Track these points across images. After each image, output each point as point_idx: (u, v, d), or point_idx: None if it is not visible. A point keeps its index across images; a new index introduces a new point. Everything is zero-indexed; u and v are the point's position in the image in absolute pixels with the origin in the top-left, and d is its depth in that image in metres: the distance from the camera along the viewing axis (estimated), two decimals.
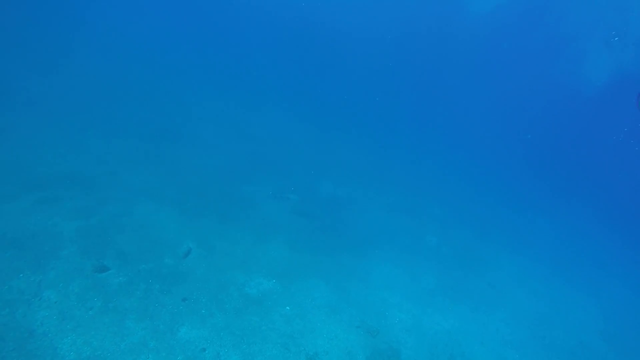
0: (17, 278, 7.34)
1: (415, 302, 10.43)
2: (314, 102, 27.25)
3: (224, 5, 38.55)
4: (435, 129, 32.40)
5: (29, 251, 8.05)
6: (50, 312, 6.88)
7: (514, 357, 9.62)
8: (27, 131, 13.17)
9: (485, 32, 39.03)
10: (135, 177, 12.25)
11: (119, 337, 6.90)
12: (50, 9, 22.37)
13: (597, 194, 30.18)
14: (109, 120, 15.76)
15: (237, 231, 11.07)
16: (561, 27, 33.64)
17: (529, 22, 35.85)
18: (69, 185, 10.83)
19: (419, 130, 30.58)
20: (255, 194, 13.56)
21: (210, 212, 11.56)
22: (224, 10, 38.82)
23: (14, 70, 16.83)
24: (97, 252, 8.61)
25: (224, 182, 13.68)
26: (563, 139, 39.69)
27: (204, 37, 32.80)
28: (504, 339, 10.17)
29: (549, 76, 38.73)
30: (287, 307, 9.02)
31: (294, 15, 40.61)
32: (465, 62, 40.88)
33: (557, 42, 35.61)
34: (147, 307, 7.73)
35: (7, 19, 20.16)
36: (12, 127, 13.15)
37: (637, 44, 27.80)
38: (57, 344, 6.39)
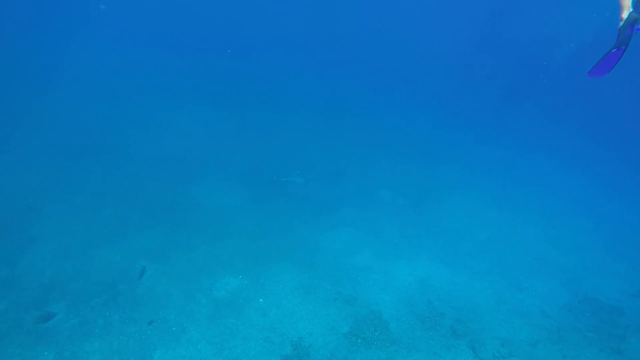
0: None
1: (384, 259, 10.58)
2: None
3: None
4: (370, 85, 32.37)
5: None
6: None
7: (482, 285, 10.14)
8: None
9: None
10: (65, 207, 11.05)
11: None
12: None
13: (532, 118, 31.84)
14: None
15: (190, 235, 10.45)
16: None
17: None
18: None
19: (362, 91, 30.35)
20: (200, 192, 12.82)
21: (156, 223, 10.78)
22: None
23: None
24: (35, 299, 7.71)
25: (164, 187, 12.76)
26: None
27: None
28: (472, 271, 10.67)
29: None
30: (261, 300, 8.76)
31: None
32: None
33: None
34: (111, 343, 7.11)
35: None
36: None
37: None
38: None
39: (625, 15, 3.82)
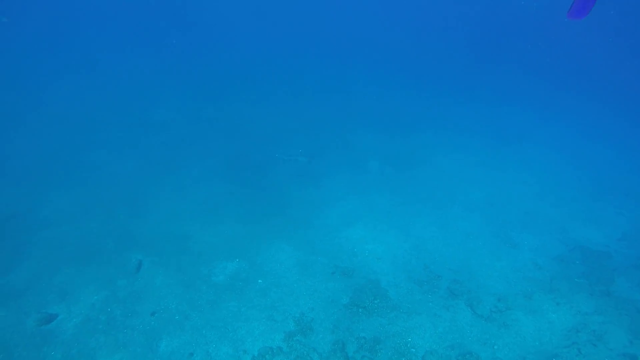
0: None
1: (378, 229, 10.70)
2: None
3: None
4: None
5: None
6: None
7: (476, 244, 10.36)
8: None
9: None
10: (56, 208, 10.88)
11: None
12: None
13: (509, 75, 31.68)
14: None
15: (181, 225, 10.42)
16: None
17: None
18: None
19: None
20: (183, 178, 12.69)
21: (146, 216, 10.70)
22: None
23: None
24: (34, 303, 7.70)
25: (149, 179, 12.61)
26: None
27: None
28: (465, 232, 10.88)
29: None
30: (260, 281, 8.86)
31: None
32: None
33: None
34: (117, 337, 7.19)
35: None
36: None
37: None
38: None
39: None
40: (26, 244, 9.39)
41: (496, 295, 8.55)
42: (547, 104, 24.86)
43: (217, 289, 8.59)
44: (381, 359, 7.01)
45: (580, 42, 34.35)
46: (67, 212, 10.68)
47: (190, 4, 38.95)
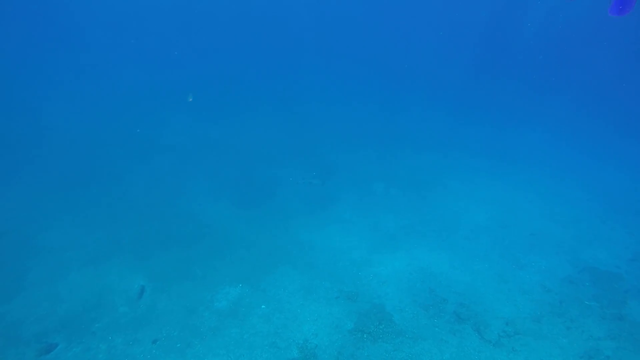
0: None
1: (382, 251, 10.60)
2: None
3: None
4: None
5: None
6: None
7: (482, 266, 10.19)
8: None
9: None
10: (58, 234, 10.95)
11: None
12: None
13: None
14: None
15: (186, 250, 10.40)
16: None
17: None
18: None
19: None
20: (190, 201, 12.75)
21: (151, 241, 10.71)
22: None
23: None
24: (34, 332, 7.64)
25: (155, 204, 12.69)
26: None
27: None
28: (471, 254, 10.72)
29: None
30: (263, 306, 8.74)
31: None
32: None
33: None
34: None
35: None
36: None
37: None
38: None
39: None
40: (31, 270, 9.41)
41: (504, 319, 8.34)
42: (556, 124, 24.84)
43: (220, 315, 8.49)
44: None
45: (590, 60, 34.54)
46: (71, 235, 10.74)
47: (188, 16, 39.70)
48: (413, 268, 9.94)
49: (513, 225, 12.34)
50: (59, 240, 10.59)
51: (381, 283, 9.37)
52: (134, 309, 8.33)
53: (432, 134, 20.65)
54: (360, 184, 14.47)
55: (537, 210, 13.41)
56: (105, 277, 9.23)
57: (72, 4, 31.76)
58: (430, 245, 10.97)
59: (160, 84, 25.82)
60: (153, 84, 25.58)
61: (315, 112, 22.78)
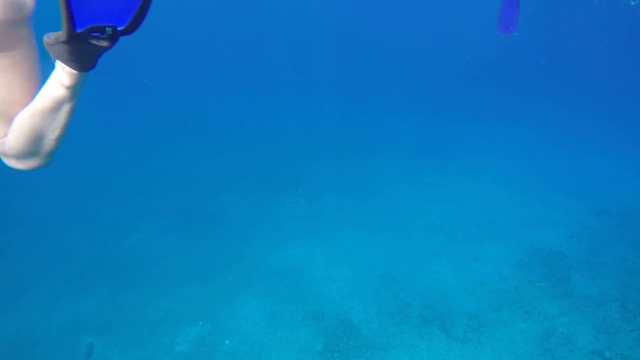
0: None
1: (341, 265, 10.52)
2: None
3: None
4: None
5: None
6: None
7: (440, 264, 10.43)
8: None
9: None
10: None
11: None
12: None
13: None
14: None
15: (135, 294, 9.70)
16: None
17: None
18: None
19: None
20: (135, 241, 11.99)
21: (94, 289, 9.88)
22: None
23: None
24: None
25: (95, 245, 11.78)
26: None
27: None
28: (428, 253, 10.94)
29: None
30: (227, 341, 8.33)
31: None
32: None
33: None
34: None
35: None
36: None
37: None
38: None
39: None
40: None
41: (467, 314, 8.54)
42: (500, 112, 25.68)
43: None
44: None
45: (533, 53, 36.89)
46: None
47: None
48: (374, 277, 9.96)
49: (464, 219, 12.80)
50: None
51: (345, 297, 9.27)
52: None
53: (378, 138, 20.86)
54: (311, 198, 14.28)
55: (485, 202, 14.02)
56: (44, 341, 8.34)
57: None
58: (387, 252, 11.06)
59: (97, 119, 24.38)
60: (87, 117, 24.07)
61: (263, 126, 22.50)
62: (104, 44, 1.23)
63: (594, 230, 11.79)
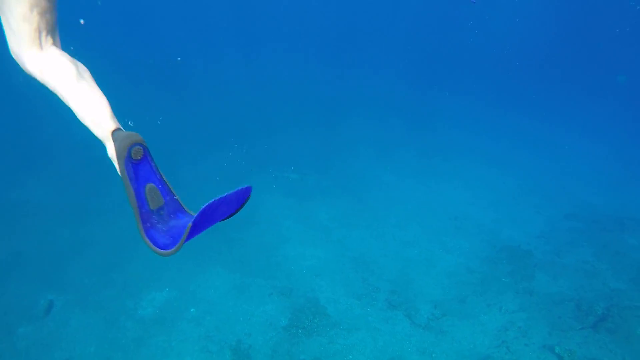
0: None
1: (315, 244, 10.54)
2: None
3: None
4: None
5: None
6: None
7: (412, 252, 10.58)
8: None
9: None
10: None
11: None
12: None
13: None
14: None
15: (102, 257, 9.48)
16: None
17: None
18: None
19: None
20: (109, 206, 11.66)
21: (60, 248, 9.61)
22: None
23: None
24: None
25: (66, 202, 11.41)
26: None
27: None
28: (402, 241, 11.07)
29: None
30: (192, 310, 8.29)
31: None
32: None
33: None
34: None
35: None
36: None
37: None
38: None
39: None
40: None
41: (433, 303, 8.73)
42: (479, 117, 26.14)
43: (144, 324, 7.89)
44: None
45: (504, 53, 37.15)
46: None
47: None
48: (346, 259, 10.03)
49: (440, 211, 12.97)
50: None
51: (315, 276, 9.32)
52: (38, 328, 7.40)
53: (367, 132, 20.58)
54: (292, 176, 14.15)
55: (461, 196, 14.24)
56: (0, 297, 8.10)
57: None
58: (362, 235, 11.14)
59: None
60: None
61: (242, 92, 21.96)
62: None
63: (561, 233, 12.15)
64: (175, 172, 13.69)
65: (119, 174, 1.53)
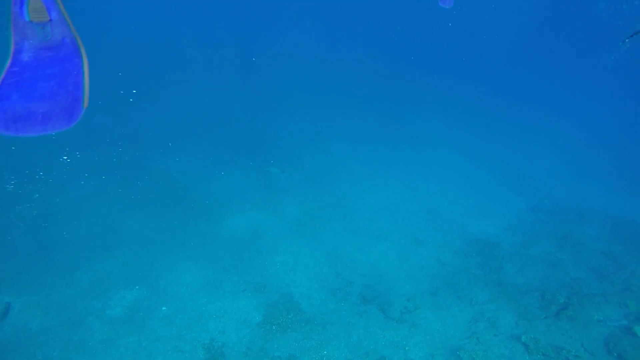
0: None
1: (289, 238, 10.47)
2: None
3: None
4: None
5: None
6: None
7: (385, 246, 10.70)
8: None
9: None
10: None
11: None
12: None
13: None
14: None
15: (66, 254, 9.07)
16: None
17: None
18: None
19: None
20: (75, 200, 11.14)
21: (18, 247, 9.10)
22: None
23: None
24: None
25: (26, 198, 10.81)
26: None
27: None
28: (374, 234, 11.16)
29: None
30: (164, 308, 8.07)
31: None
32: None
33: None
34: None
35: None
36: None
37: None
38: None
39: None
40: None
41: (406, 296, 8.87)
42: (452, 109, 26.29)
43: (113, 324, 7.63)
44: None
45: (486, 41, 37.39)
46: None
47: None
48: (320, 253, 10.02)
49: (412, 204, 13.15)
50: None
51: (288, 271, 9.27)
52: None
53: (338, 122, 20.50)
54: (272, 170, 13.91)
55: (433, 189, 14.49)
56: None
57: None
58: (335, 229, 11.15)
59: None
60: None
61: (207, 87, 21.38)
62: None
63: (527, 225, 12.61)
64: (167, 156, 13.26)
65: None
